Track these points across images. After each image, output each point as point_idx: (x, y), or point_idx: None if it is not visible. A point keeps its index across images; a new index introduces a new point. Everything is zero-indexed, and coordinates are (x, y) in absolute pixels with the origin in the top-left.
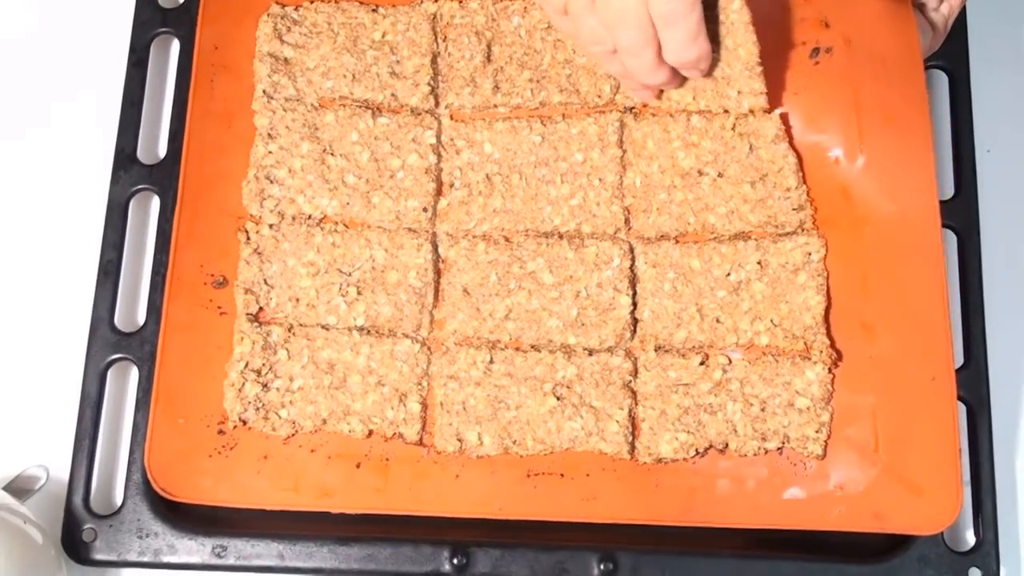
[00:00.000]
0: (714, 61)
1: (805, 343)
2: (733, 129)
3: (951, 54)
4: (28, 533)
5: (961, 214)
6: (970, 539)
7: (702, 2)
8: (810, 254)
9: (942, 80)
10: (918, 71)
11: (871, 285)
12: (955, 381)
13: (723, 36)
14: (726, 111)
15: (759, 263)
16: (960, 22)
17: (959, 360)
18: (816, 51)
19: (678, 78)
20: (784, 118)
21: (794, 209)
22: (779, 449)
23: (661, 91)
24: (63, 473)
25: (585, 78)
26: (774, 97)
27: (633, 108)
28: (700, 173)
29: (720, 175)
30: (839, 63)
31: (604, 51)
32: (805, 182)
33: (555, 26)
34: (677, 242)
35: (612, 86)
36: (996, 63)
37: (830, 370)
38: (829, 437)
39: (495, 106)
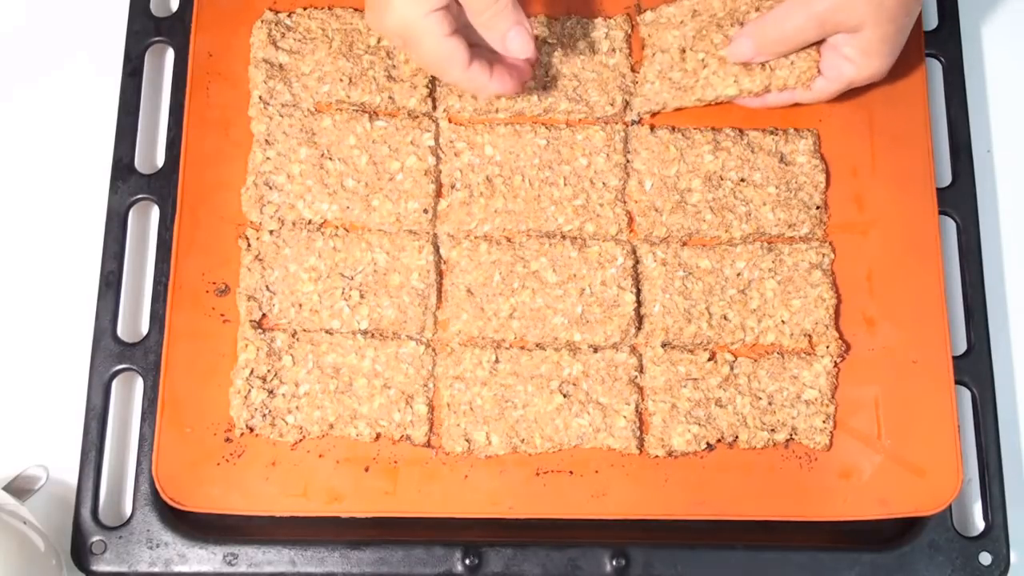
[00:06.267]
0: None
1: (810, 340)
2: (774, 139)
3: (945, 43)
4: (27, 534)
5: (961, 201)
6: (979, 524)
7: None
8: (824, 256)
9: (939, 69)
10: (922, 96)
11: (875, 282)
12: (952, 364)
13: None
14: (770, 130)
15: (773, 261)
16: (955, 12)
17: (963, 347)
18: None
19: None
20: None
21: (817, 207)
22: (786, 443)
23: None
24: (69, 483)
25: (595, 89)
26: (805, 123)
27: (650, 121)
28: (722, 178)
29: (742, 180)
30: (857, 94)
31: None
32: (827, 191)
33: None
34: (685, 244)
35: (624, 98)
36: (995, 61)
37: (836, 363)
38: (835, 429)
39: (497, 111)
